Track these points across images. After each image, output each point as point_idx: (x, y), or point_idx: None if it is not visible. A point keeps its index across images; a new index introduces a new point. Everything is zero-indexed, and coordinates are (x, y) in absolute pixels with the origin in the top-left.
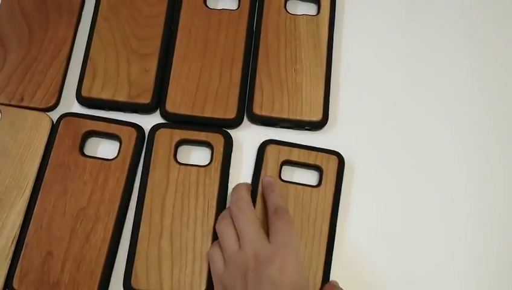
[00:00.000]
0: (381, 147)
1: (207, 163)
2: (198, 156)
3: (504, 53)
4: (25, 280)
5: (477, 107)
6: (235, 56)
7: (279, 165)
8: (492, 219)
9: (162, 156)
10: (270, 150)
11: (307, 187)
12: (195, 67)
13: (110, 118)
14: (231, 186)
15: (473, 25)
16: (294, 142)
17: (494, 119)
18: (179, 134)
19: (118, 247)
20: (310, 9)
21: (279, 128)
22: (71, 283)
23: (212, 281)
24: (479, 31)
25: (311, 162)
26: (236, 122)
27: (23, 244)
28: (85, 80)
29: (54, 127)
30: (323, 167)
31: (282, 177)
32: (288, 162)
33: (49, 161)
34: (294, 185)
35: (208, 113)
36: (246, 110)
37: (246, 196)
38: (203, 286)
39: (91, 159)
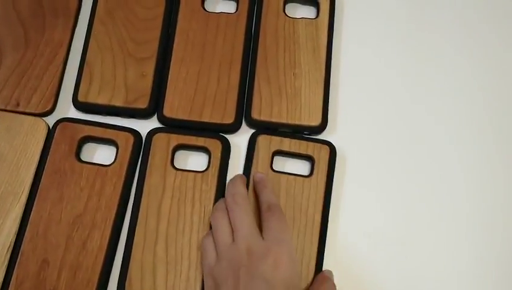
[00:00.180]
0: (381, 151)
1: (204, 168)
2: (195, 161)
3: (504, 55)
4: (20, 288)
5: (476, 107)
6: (233, 60)
7: (271, 155)
8: (491, 218)
9: (158, 161)
10: (261, 140)
11: (298, 177)
12: (193, 71)
13: (106, 123)
14: None
15: (473, 27)
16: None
17: (494, 119)
18: (176, 139)
19: (114, 254)
20: (309, 12)
21: None
22: None
23: None
24: (478, 34)
25: (302, 152)
26: (234, 128)
27: (18, 251)
28: (81, 85)
29: (50, 133)
30: (315, 157)
31: (274, 168)
32: (279, 153)
33: (45, 166)
34: (286, 176)
35: (205, 118)
36: (244, 115)
37: (243, 189)
38: None
39: (88, 165)
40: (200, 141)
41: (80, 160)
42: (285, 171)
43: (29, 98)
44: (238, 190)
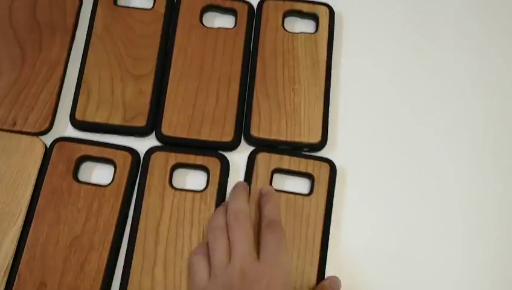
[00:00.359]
0: (382, 168)
1: (203, 187)
2: (194, 179)
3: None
4: None
5: (479, 129)
6: (232, 76)
7: (270, 173)
8: (493, 235)
9: (157, 181)
10: (261, 158)
11: (298, 196)
12: (192, 87)
13: (104, 142)
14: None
15: (476, 43)
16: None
17: (493, 136)
18: (174, 157)
19: (112, 277)
20: (308, 26)
21: None
22: None
23: None
24: (482, 50)
25: (302, 170)
26: (233, 145)
27: (16, 274)
28: (79, 103)
29: (48, 152)
30: (315, 175)
31: (274, 186)
32: (279, 170)
33: (43, 187)
34: (286, 194)
35: (204, 136)
36: (243, 132)
37: (245, 206)
38: None
39: (85, 185)
40: (199, 160)
41: (77, 180)
42: (285, 189)
43: (26, 117)
44: (241, 206)
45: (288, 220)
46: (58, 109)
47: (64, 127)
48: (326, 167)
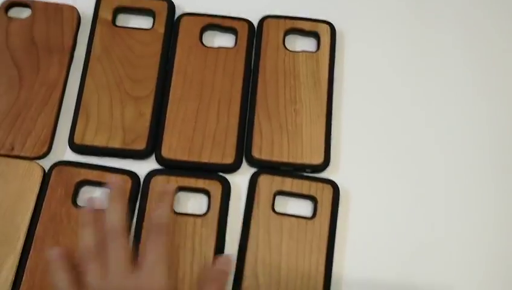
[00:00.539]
0: (386, 189)
1: (204, 210)
2: (195, 202)
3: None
4: None
5: (486, 142)
6: (232, 96)
7: (272, 196)
8: (502, 251)
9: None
10: (263, 180)
11: (301, 219)
12: (192, 109)
13: (103, 166)
14: (229, 234)
15: (480, 52)
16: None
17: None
18: (175, 181)
19: None
20: (310, 44)
21: None
22: None
23: None
24: (487, 59)
25: (305, 192)
26: (234, 167)
27: None
28: (78, 126)
29: (46, 177)
30: (318, 197)
31: (276, 209)
32: (281, 193)
33: (41, 213)
34: (288, 217)
35: (205, 159)
36: (244, 154)
37: (120, 219)
38: None
39: None
40: (200, 183)
41: (76, 205)
42: (287, 211)
43: (24, 142)
44: (114, 222)
45: (291, 244)
46: (57, 132)
47: (62, 151)
48: (329, 189)
